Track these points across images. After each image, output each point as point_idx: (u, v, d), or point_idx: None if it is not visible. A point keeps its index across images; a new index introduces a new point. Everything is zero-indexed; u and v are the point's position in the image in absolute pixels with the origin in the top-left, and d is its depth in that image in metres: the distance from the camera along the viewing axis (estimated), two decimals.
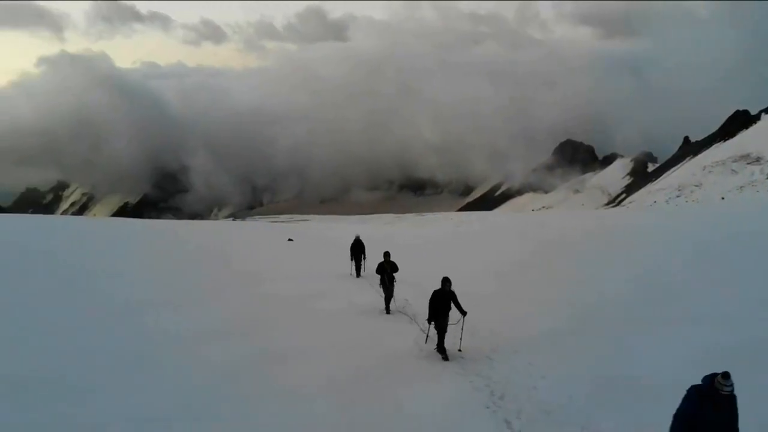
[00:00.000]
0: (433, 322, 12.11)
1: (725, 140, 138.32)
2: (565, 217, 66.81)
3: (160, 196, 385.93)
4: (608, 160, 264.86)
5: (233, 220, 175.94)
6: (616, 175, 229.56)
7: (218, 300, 17.09)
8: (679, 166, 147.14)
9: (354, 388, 10.19)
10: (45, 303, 15.27)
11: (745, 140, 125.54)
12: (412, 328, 13.86)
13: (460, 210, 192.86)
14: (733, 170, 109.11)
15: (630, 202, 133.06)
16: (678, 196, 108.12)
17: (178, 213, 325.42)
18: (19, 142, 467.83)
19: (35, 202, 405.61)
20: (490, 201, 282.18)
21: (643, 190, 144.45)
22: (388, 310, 16.25)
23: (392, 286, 16.39)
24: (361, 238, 22.19)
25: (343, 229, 47.94)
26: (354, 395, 9.88)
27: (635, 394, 9.23)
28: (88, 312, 14.51)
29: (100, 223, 54.85)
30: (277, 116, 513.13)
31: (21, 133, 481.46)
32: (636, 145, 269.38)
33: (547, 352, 11.78)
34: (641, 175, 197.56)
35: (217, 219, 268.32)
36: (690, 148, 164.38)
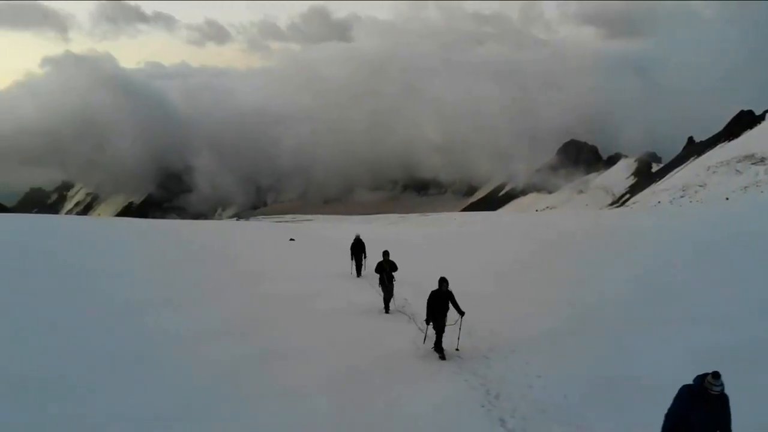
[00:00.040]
0: (431, 323, 12.14)
1: (729, 140, 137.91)
2: (568, 218, 66.63)
3: (165, 196, 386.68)
4: (612, 160, 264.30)
5: (237, 220, 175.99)
6: (620, 175, 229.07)
7: (218, 300, 17.12)
8: (683, 166, 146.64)
9: (351, 387, 10.23)
10: (45, 303, 15.29)
11: (749, 140, 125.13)
12: (410, 327, 13.90)
13: (464, 210, 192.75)
14: (737, 170, 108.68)
15: (634, 203, 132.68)
16: (682, 197, 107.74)
17: (183, 213, 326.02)
18: (24, 142, 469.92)
19: (40, 202, 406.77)
20: (493, 201, 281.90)
21: (647, 191, 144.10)
22: (387, 310, 16.27)
23: (391, 285, 16.41)
24: (361, 238, 22.19)
25: (346, 229, 47.90)
26: (351, 394, 9.92)
27: (633, 393, 9.26)
28: (88, 312, 14.54)
29: (103, 222, 54.96)
30: (281, 116, 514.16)
31: (26, 133, 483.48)
32: (640, 146, 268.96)
33: (545, 351, 11.81)
34: (645, 176, 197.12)
35: (221, 219, 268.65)
36: (694, 149, 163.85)
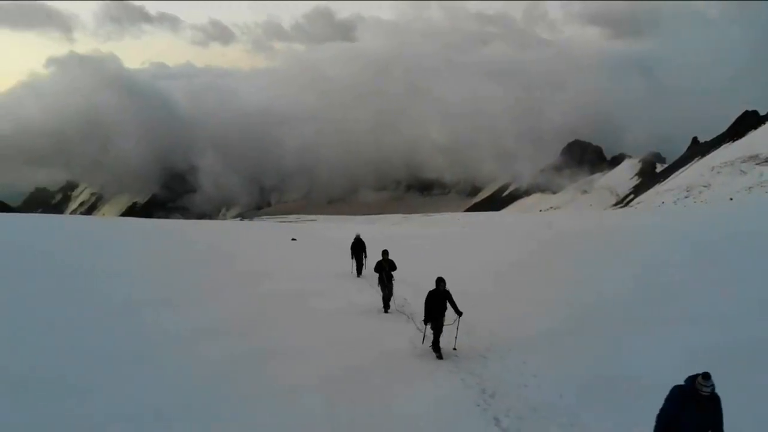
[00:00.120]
0: (429, 323, 12.16)
1: (734, 141, 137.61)
2: (570, 218, 66.60)
3: (169, 196, 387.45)
4: (616, 160, 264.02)
5: (241, 220, 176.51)
6: (625, 175, 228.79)
7: (218, 299, 17.17)
8: (687, 166, 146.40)
9: (349, 386, 10.26)
10: (44, 302, 15.33)
11: (754, 141, 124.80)
12: (409, 327, 13.90)
13: (467, 210, 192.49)
14: (741, 171, 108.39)
15: (638, 203, 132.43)
16: (686, 197, 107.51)
17: (187, 213, 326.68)
18: (29, 142, 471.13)
19: (44, 201, 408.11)
20: (497, 201, 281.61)
21: (651, 191, 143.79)
22: (386, 309, 16.30)
23: (390, 284, 16.42)
24: (361, 237, 22.21)
25: (348, 229, 47.90)
26: (348, 393, 9.96)
27: (630, 393, 9.27)
28: (86, 311, 14.58)
29: (107, 222, 55.10)
30: (285, 117, 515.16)
31: (30, 133, 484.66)
32: (644, 146, 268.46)
33: (542, 351, 11.82)
34: (649, 176, 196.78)
35: (225, 219, 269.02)
36: (698, 149, 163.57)
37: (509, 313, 15.23)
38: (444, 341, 12.13)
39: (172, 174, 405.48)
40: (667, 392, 6.63)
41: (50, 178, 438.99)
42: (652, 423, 6.66)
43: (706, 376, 6.17)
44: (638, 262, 21.59)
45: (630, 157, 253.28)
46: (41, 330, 12.88)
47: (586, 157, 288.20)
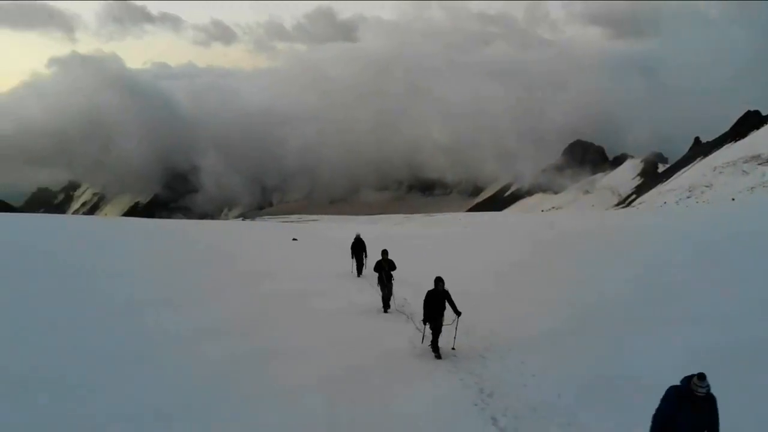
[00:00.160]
0: (428, 323, 12.18)
1: (736, 141, 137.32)
2: (572, 218, 66.56)
3: (171, 196, 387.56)
4: (618, 160, 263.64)
5: (243, 220, 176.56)
6: (627, 175, 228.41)
7: (218, 299, 17.19)
8: (689, 166, 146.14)
9: (348, 386, 10.29)
10: (45, 302, 15.33)
11: (756, 141, 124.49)
12: (408, 327, 13.91)
13: (469, 211, 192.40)
14: (744, 171, 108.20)
15: (640, 203, 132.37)
16: (688, 197, 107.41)
17: (189, 213, 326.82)
18: (31, 142, 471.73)
19: (47, 202, 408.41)
20: (499, 201, 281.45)
21: (653, 191, 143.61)
22: (385, 309, 16.32)
23: (390, 284, 16.44)
24: (361, 237, 22.22)
25: (350, 229, 47.88)
26: (348, 393, 9.98)
27: (629, 393, 9.27)
28: (89, 311, 14.61)
29: (109, 222, 55.14)
30: (287, 117, 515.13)
31: (32, 133, 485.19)
32: (646, 146, 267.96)
33: (542, 351, 11.85)
34: (651, 176, 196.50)
35: (227, 219, 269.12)
36: (701, 149, 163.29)
37: (510, 313, 15.26)
38: (443, 341, 12.15)
39: (174, 174, 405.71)
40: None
41: (52, 178, 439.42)
42: (645, 422, 6.68)
43: (701, 376, 6.17)
44: (640, 262, 21.57)
45: (632, 157, 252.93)
46: (42, 330, 12.89)
47: (588, 157, 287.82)
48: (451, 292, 12.20)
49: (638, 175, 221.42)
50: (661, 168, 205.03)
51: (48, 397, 9.26)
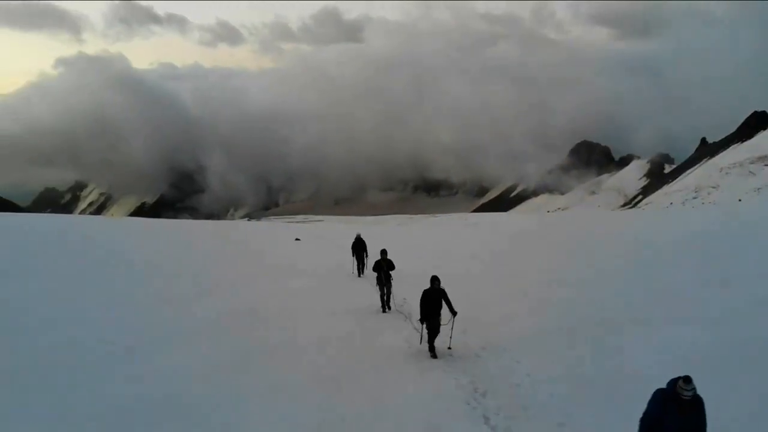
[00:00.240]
0: (425, 322, 12.11)
1: (742, 142, 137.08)
2: (575, 219, 66.45)
3: (177, 196, 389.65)
4: (624, 161, 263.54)
5: (248, 220, 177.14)
6: (633, 176, 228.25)
7: (219, 298, 17.24)
8: (695, 167, 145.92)
9: (342, 384, 10.29)
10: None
11: (762, 142, 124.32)
12: (406, 326, 13.88)
13: (475, 211, 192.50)
14: (750, 172, 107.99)
15: (646, 204, 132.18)
16: (695, 198, 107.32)
17: (195, 213, 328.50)
18: (38, 142, 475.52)
19: (54, 201, 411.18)
20: (505, 202, 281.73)
21: (659, 192, 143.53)
22: (384, 309, 16.27)
23: (389, 283, 16.39)
24: (362, 237, 22.18)
25: (355, 229, 48.20)
26: (341, 390, 9.98)
27: (623, 393, 9.16)
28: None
29: (114, 222, 55.37)
30: (293, 117, 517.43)
31: (39, 133, 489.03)
32: (652, 147, 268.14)
33: (537, 351, 11.78)
34: (658, 177, 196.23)
35: (233, 219, 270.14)
36: (707, 150, 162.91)
37: (507, 313, 15.19)
38: (439, 340, 12.10)
39: (180, 174, 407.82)
40: None
41: (59, 178, 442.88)
42: (636, 423, 6.60)
43: (687, 379, 6.07)
44: (639, 263, 21.54)
45: (638, 157, 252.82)
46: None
47: (594, 157, 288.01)
48: (448, 291, 12.13)
49: (644, 175, 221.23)
50: (667, 169, 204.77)
51: (46, 391, 9.26)
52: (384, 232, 47.19)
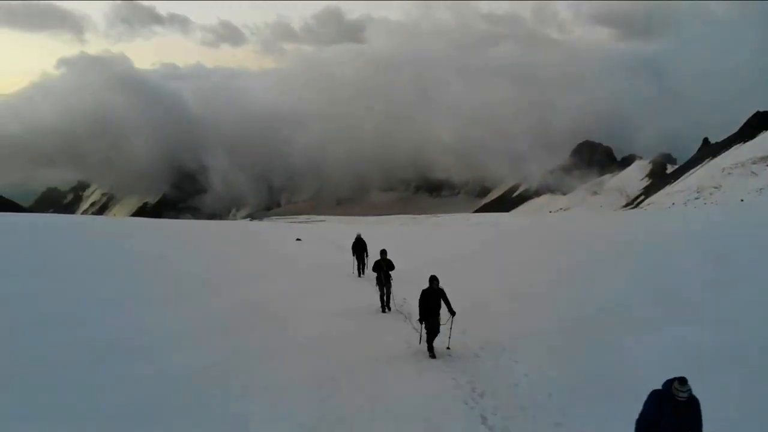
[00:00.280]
0: (424, 322, 12.13)
1: (745, 142, 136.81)
2: (576, 219, 66.39)
3: (179, 196, 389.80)
4: (627, 161, 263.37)
5: (250, 220, 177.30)
6: (635, 176, 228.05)
7: (219, 298, 17.25)
8: (698, 167, 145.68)
9: (340, 384, 10.32)
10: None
11: (765, 142, 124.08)
12: (405, 326, 13.88)
13: (477, 211, 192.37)
14: (752, 172, 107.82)
15: (648, 204, 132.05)
16: (697, 198, 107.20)
17: (197, 213, 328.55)
18: (40, 142, 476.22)
19: (56, 202, 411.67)
20: (507, 202, 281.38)
21: (661, 192, 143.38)
22: (384, 309, 16.29)
23: (389, 284, 16.41)
24: (362, 237, 22.20)
25: (357, 230, 48.24)
26: (339, 390, 10.02)
27: (621, 394, 9.15)
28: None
29: (116, 222, 55.46)
30: (295, 117, 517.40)
31: (42, 133, 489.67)
32: (655, 147, 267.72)
33: (536, 351, 11.80)
34: (660, 177, 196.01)
35: (235, 219, 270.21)
36: (709, 150, 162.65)
37: (507, 312, 15.24)
38: (438, 340, 12.13)
39: (182, 174, 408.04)
40: None
41: (61, 178, 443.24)
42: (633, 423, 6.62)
43: (683, 381, 6.06)
44: (639, 264, 21.47)
45: (640, 158, 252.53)
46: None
47: (596, 158, 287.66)
48: (448, 291, 12.16)
49: (646, 176, 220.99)
50: (669, 169, 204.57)
51: (48, 388, 9.31)
52: (386, 233, 47.21)
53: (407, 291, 17.10)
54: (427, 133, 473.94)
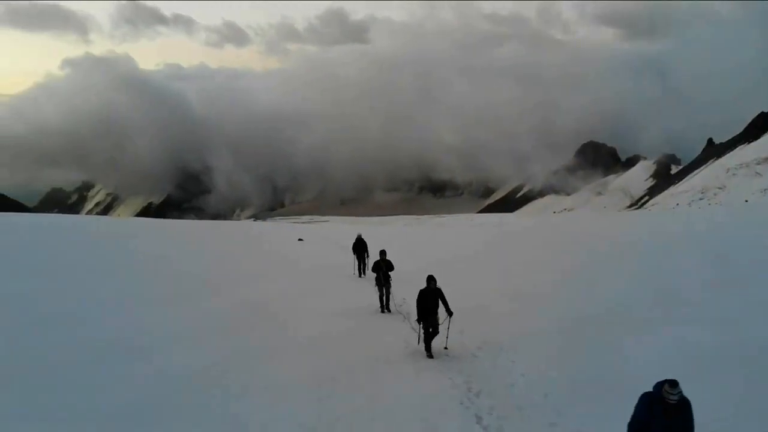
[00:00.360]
0: (422, 322, 12.14)
1: (749, 142, 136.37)
2: (581, 219, 66.30)
3: (183, 196, 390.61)
4: (631, 162, 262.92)
5: (254, 221, 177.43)
6: (639, 177, 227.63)
7: (220, 298, 17.28)
8: (702, 168, 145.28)
9: (337, 383, 10.34)
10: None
11: None
12: (404, 326, 13.93)
13: (481, 212, 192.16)
14: (757, 173, 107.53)
15: (653, 205, 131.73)
16: (701, 199, 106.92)
17: (201, 213, 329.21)
18: (45, 143, 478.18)
19: (61, 202, 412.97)
20: (511, 203, 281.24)
21: (666, 193, 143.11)
22: (383, 309, 16.30)
23: (388, 284, 16.41)
24: (363, 237, 22.21)
25: (359, 230, 48.28)
26: (335, 390, 10.04)
27: (618, 394, 9.11)
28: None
29: (120, 222, 55.61)
30: (298, 118, 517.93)
31: (46, 134, 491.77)
32: (659, 147, 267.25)
33: (534, 351, 11.80)
34: (664, 177, 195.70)
35: (239, 219, 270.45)
36: (714, 150, 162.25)
37: (506, 312, 15.25)
38: (436, 340, 12.14)
39: (186, 174, 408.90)
40: None
41: (66, 178, 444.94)
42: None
43: (673, 383, 6.04)
44: (639, 264, 21.51)
45: (645, 158, 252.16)
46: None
47: (600, 158, 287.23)
48: (447, 291, 12.18)
49: (651, 176, 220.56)
50: (673, 169, 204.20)
51: (51, 387, 9.36)
52: (389, 233, 47.19)
53: (407, 291, 17.09)
54: (431, 134, 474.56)
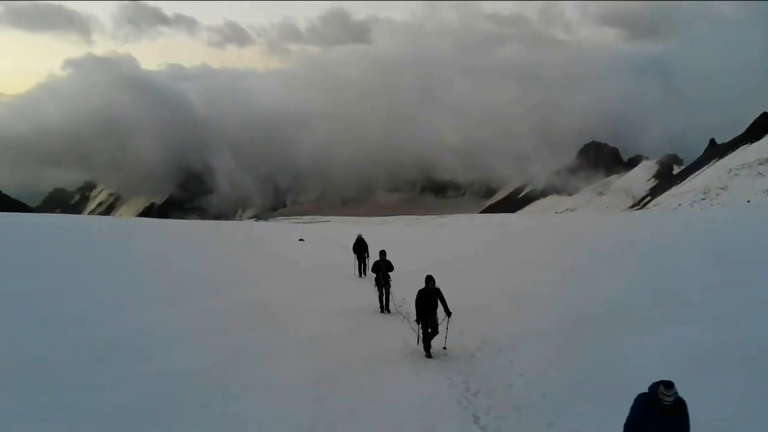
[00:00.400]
0: (421, 322, 12.14)
1: (752, 143, 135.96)
2: (583, 220, 66.24)
3: (186, 196, 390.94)
4: (633, 162, 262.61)
5: (256, 221, 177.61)
6: (641, 177, 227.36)
7: (220, 298, 17.31)
8: (704, 168, 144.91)
9: (336, 383, 10.35)
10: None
11: None
12: (404, 327, 13.91)
13: (483, 212, 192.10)
14: (759, 173, 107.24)
15: (655, 205, 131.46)
16: (703, 199, 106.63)
17: (203, 214, 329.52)
18: (47, 143, 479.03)
19: (63, 202, 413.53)
20: (513, 203, 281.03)
21: (668, 193, 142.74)
22: (382, 309, 16.30)
23: (387, 284, 16.41)
24: (363, 238, 22.21)
25: (359, 230, 48.31)
26: (334, 390, 10.05)
27: (616, 394, 9.09)
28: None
29: (123, 222, 55.68)
30: (300, 118, 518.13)
31: (48, 134, 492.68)
32: (661, 147, 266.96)
33: (533, 351, 11.81)
34: (666, 178, 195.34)
35: (241, 220, 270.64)
36: (716, 151, 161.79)
37: (506, 313, 15.27)
38: (434, 340, 12.14)
39: (188, 174, 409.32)
40: None
41: (68, 178, 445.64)
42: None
43: (668, 384, 6.04)
44: (639, 264, 21.52)
45: (647, 158, 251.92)
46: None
47: (602, 158, 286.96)
48: (447, 291, 12.19)
49: (653, 176, 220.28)
50: (675, 170, 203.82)
51: (51, 387, 9.37)
52: (391, 233, 47.24)
53: (406, 291, 17.10)
54: (433, 134, 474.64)
